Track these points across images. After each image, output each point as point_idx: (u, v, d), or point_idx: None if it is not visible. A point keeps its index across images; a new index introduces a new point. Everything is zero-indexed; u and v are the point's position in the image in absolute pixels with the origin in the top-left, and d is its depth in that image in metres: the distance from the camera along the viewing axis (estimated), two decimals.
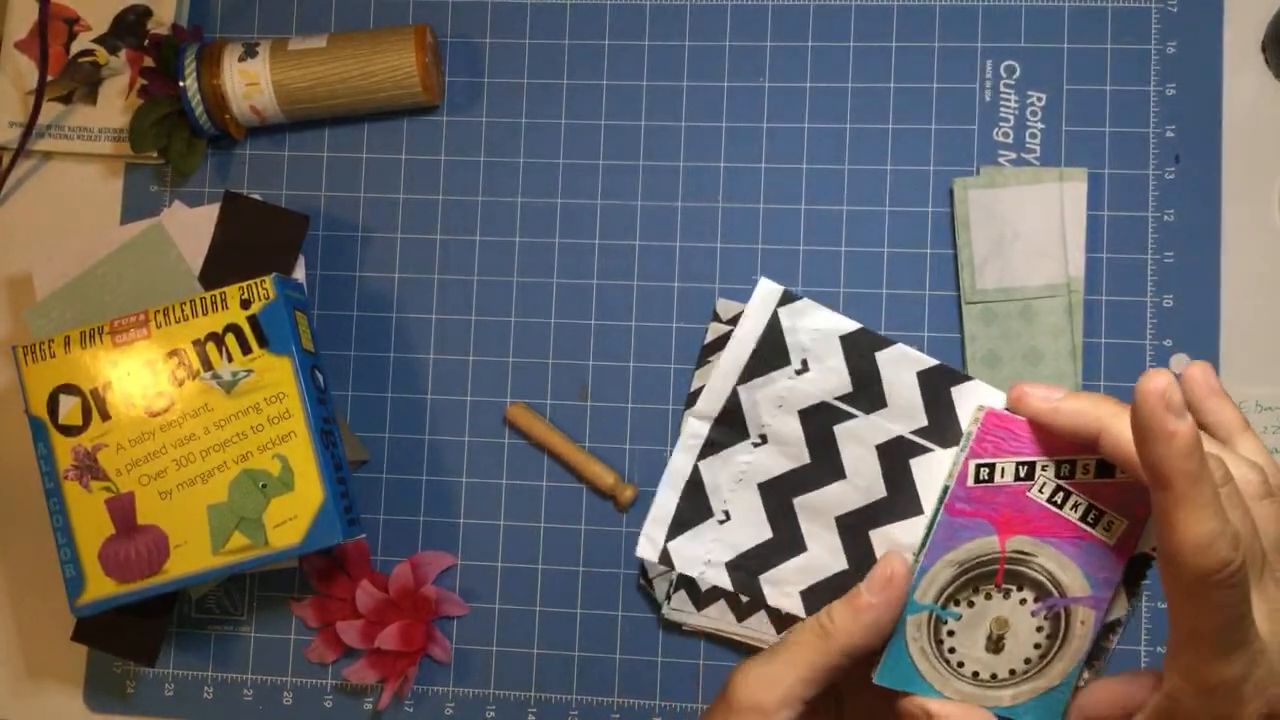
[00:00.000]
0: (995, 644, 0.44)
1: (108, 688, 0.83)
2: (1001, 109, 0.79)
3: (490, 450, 0.81)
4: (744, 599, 0.76)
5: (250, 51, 0.80)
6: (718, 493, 0.45)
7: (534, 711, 0.80)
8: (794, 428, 0.44)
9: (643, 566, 0.78)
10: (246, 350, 0.73)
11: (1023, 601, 0.43)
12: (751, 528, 0.45)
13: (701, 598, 0.77)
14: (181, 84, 0.79)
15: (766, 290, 0.43)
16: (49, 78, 0.84)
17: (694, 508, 0.45)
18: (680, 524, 0.45)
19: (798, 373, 0.44)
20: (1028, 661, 0.43)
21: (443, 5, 0.84)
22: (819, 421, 0.44)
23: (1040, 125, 0.79)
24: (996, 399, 0.44)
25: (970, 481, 0.43)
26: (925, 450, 0.44)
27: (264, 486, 0.72)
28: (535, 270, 0.82)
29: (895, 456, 0.44)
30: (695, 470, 0.45)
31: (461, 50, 0.84)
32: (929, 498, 0.44)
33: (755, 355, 0.44)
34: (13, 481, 0.85)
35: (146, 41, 0.83)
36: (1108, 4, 0.79)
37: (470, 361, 0.82)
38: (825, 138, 0.80)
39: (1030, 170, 0.78)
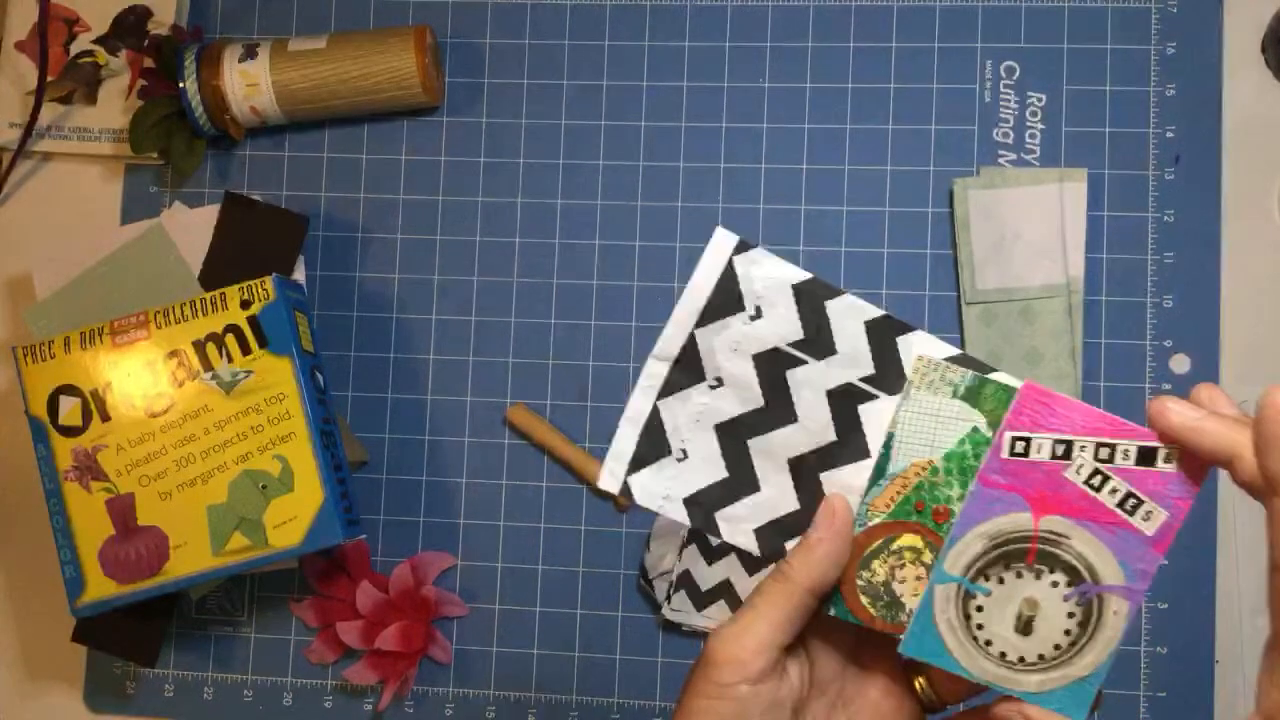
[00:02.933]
0: (1024, 625, 0.44)
1: (108, 688, 0.83)
2: (1001, 109, 0.79)
3: (490, 450, 0.81)
4: (740, 592, 0.76)
5: (250, 52, 0.80)
6: (676, 433, 0.47)
7: (534, 712, 0.80)
8: (748, 372, 0.46)
9: (643, 566, 0.78)
10: (246, 351, 0.73)
11: (1054, 584, 0.43)
12: (708, 467, 0.47)
13: (702, 598, 0.77)
14: (181, 85, 0.79)
15: (722, 238, 0.46)
16: (49, 78, 0.84)
17: (653, 445, 0.47)
18: (639, 460, 0.47)
19: (751, 319, 0.46)
20: (1057, 648, 0.43)
21: (443, 6, 0.84)
22: (772, 366, 0.46)
23: (1040, 126, 0.79)
24: (938, 349, 0.45)
25: (1005, 454, 0.43)
26: (872, 397, 0.45)
27: (264, 487, 0.72)
28: (535, 270, 0.82)
29: (845, 402, 0.46)
30: (654, 410, 0.47)
31: (461, 50, 0.84)
32: (876, 443, 0.45)
33: (711, 301, 0.46)
34: (13, 482, 0.85)
35: (146, 42, 0.84)
36: (1107, 4, 0.79)
37: (470, 362, 0.82)
38: (825, 138, 0.80)
39: (1030, 171, 0.78)
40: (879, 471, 0.45)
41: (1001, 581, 0.44)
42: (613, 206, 0.81)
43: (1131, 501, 0.42)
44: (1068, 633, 0.43)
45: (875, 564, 0.45)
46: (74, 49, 0.85)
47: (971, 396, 0.44)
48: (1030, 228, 0.77)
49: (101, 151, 0.84)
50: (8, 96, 0.85)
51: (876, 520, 0.45)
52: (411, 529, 0.81)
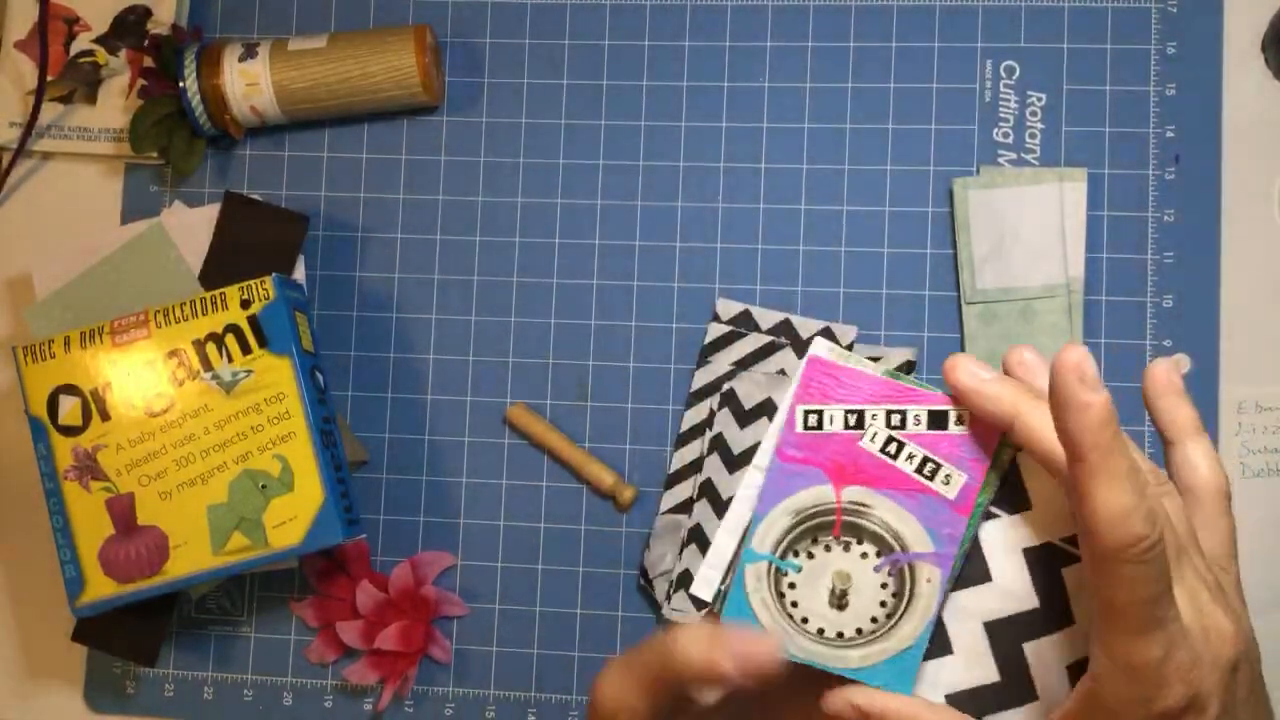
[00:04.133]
0: (839, 599, 0.42)
1: (108, 688, 0.83)
2: (1001, 109, 0.79)
3: (490, 450, 0.81)
4: None
5: (250, 52, 0.80)
6: None
7: (534, 712, 0.80)
8: None
9: (643, 566, 0.78)
10: (246, 350, 0.73)
11: (864, 556, 0.42)
12: None
13: (700, 605, 0.77)
14: (181, 84, 0.79)
15: (819, 350, 0.45)
16: (49, 78, 0.84)
17: None
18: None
19: None
20: (875, 620, 0.42)
21: (443, 5, 0.84)
22: None
23: (1040, 125, 0.79)
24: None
25: (799, 428, 0.42)
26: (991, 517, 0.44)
27: (264, 487, 0.72)
28: (535, 270, 0.82)
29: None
30: (754, 519, 0.45)
31: (461, 50, 0.84)
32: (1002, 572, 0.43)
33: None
34: (13, 481, 0.85)
35: (146, 42, 0.84)
36: (1108, 4, 0.79)
37: (470, 361, 0.82)
38: (825, 138, 0.80)
39: (1030, 170, 0.78)
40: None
41: (811, 556, 0.43)
42: (613, 206, 0.81)
43: (929, 466, 0.42)
44: (883, 604, 0.42)
45: None
46: (74, 48, 0.85)
47: None
48: (1030, 227, 0.77)
49: (101, 151, 0.84)
50: (8, 96, 0.85)
51: None
52: (411, 529, 0.81)
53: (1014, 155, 0.79)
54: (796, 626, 0.43)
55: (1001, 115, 0.79)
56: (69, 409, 0.73)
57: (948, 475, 0.42)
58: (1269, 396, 0.76)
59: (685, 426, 0.79)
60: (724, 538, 0.45)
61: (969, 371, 0.41)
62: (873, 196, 0.80)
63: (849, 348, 0.78)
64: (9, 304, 0.86)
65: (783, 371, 0.78)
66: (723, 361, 0.79)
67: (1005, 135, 0.79)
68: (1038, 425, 0.39)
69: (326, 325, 0.83)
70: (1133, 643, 0.37)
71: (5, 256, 0.86)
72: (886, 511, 0.42)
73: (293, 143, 0.84)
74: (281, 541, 0.72)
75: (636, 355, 0.80)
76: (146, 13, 0.84)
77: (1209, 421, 0.76)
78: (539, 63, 0.83)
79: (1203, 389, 0.77)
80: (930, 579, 0.42)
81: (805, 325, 0.79)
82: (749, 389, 0.78)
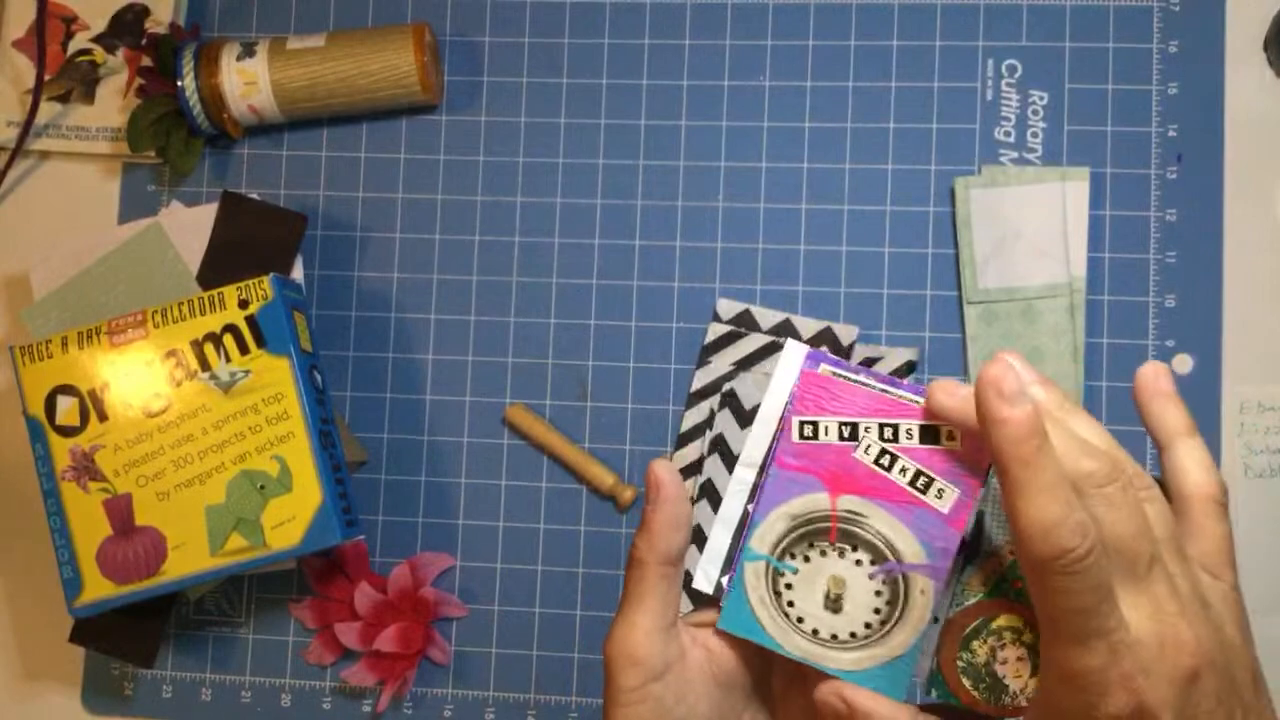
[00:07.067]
0: (833, 603, 0.44)
1: (106, 689, 0.82)
2: (1003, 108, 0.79)
3: (489, 451, 0.81)
4: None
5: (248, 50, 0.79)
6: None
7: (533, 713, 0.80)
8: None
9: None
10: (244, 351, 0.72)
11: (858, 563, 0.44)
12: None
13: (702, 598, 0.77)
14: (179, 83, 0.79)
15: (794, 350, 0.47)
16: (46, 77, 0.84)
17: None
18: (732, 561, 0.47)
19: None
20: (868, 626, 0.44)
21: (442, 4, 0.84)
22: None
23: (1042, 124, 0.79)
24: None
25: (795, 437, 0.44)
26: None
27: (262, 487, 0.72)
28: (535, 270, 0.81)
29: None
30: (745, 513, 0.47)
31: (461, 49, 0.83)
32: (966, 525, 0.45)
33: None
34: (10, 482, 0.84)
35: (144, 40, 0.83)
36: (1109, 3, 0.79)
37: (469, 362, 0.81)
38: (825, 137, 0.80)
39: (1032, 169, 0.78)
40: (972, 551, 0.45)
41: (808, 560, 0.44)
42: (613, 206, 0.81)
43: (922, 480, 0.43)
44: (877, 611, 0.44)
45: (975, 644, 0.45)
46: (72, 47, 0.84)
47: None
48: (1032, 227, 0.77)
49: (99, 150, 0.84)
50: (5, 95, 0.85)
51: (973, 600, 0.45)
52: (410, 529, 0.81)
53: (1016, 154, 0.79)
54: (793, 625, 0.44)
55: (1003, 114, 0.79)
56: (66, 409, 0.73)
57: (940, 489, 0.43)
58: (1272, 396, 0.76)
59: (685, 426, 0.79)
60: (719, 532, 0.47)
61: (945, 390, 0.41)
62: (874, 196, 0.79)
63: (850, 347, 0.78)
64: (6, 304, 0.86)
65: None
66: (723, 361, 0.79)
67: (1007, 134, 0.79)
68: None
69: (325, 325, 0.83)
70: (1069, 651, 0.37)
71: (2, 256, 0.86)
72: (880, 522, 0.43)
73: (291, 142, 0.84)
74: (280, 542, 0.72)
75: (636, 355, 0.80)
76: (144, 11, 0.84)
77: (1211, 422, 0.76)
78: (538, 61, 0.83)
79: (1205, 389, 0.76)
80: (924, 590, 0.43)
81: (806, 325, 0.78)
82: (749, 389, 0.77)
